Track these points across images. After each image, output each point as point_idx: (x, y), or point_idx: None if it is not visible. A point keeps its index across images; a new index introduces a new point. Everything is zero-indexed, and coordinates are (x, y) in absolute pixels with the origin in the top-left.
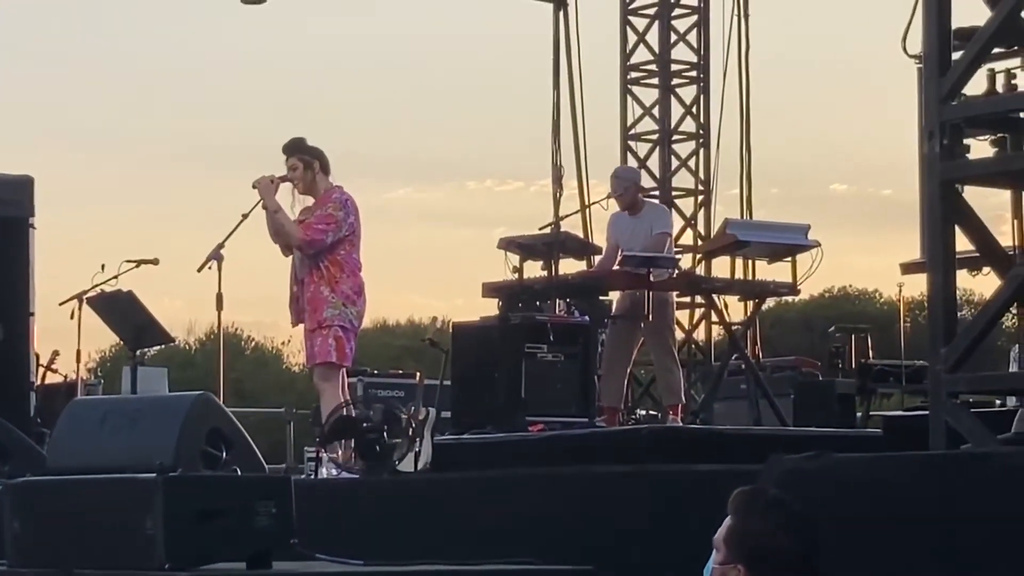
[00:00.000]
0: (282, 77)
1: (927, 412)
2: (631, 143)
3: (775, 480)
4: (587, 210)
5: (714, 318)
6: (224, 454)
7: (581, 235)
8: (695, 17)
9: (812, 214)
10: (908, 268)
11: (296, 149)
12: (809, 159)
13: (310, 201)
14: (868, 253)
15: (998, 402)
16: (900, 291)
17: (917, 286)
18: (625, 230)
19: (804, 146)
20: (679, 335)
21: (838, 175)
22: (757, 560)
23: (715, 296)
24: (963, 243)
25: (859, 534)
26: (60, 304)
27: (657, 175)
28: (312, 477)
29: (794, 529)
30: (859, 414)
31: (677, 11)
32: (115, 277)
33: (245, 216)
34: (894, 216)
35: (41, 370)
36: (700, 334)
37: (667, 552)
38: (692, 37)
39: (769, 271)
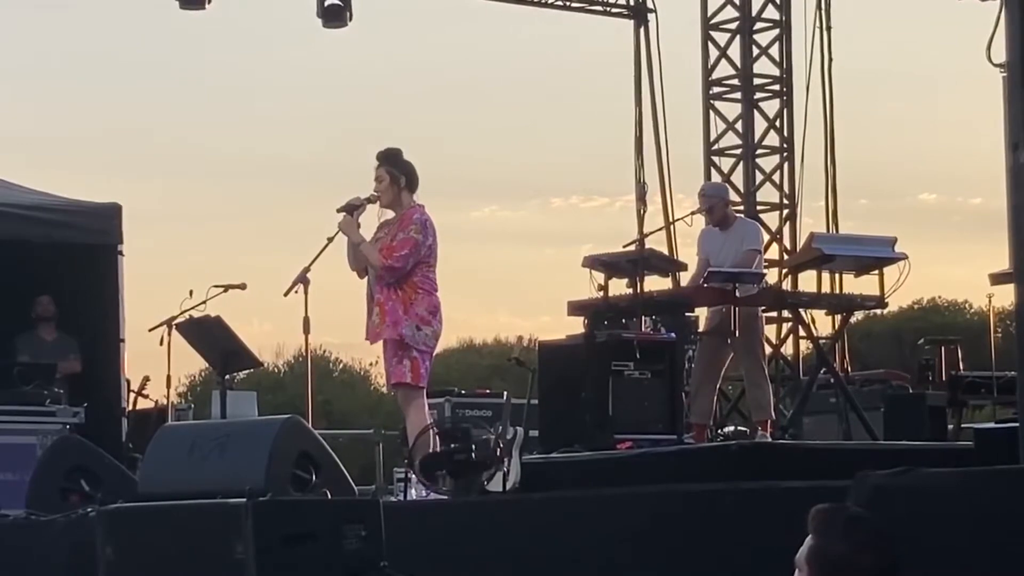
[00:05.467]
0: (365, 95)
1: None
2: (715, 158)
3: (864, 496)
4: (672, 226)
5: (801, 332)
6: (313, 477)
7: (666, 252)
8: (777, 30)
9: (901, 224)
10: (997, 278)
11: (389, 160)
12: (897, 169)
13: (390, 214)
14: (958, 263)
15: None
16: (990, 301)
17: (1008, 296)
18: (715, 245)
19: (891, 156)
20: (767, 350)
21: (927, 185)
22: None
23: (802, 310)
24: None
25: (949, 550)
26: (150, 330)
27: (741, 190)
28: (401, 498)
29: (875, 547)
30: (951, 427)
31: (759, 25)
32: (203, 302)
33: (330, 239)
34: (984, 225)
35: (132, 396)
36: (788, 349)
37: (757, 569)
38: (774, 50)
39: (856, 284)
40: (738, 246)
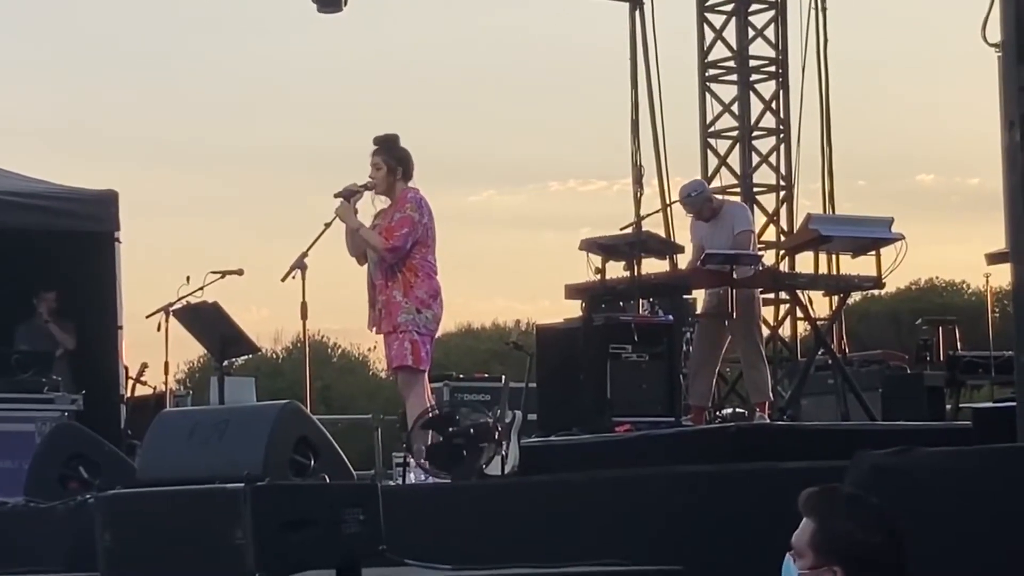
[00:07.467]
0: (361, 83)
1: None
2: (711, 140)
3: (863, 475)
4: (668, 209)
5: (799, 314)
6: (312, 462)
7: (663, 234)
8: (772, 12)
9: (898, 205)
10: (994, 258)
11: (385, 148)
12: (895, 150)
13: (386, 203)
14: (955, 244)
15: None
16: (987, 281)
17: (1005, 275)
18: (707, 233)
19: (889, 137)
20: (764, 332)
21: (924, 166)
22: (856, 562)
23: (799, 292)
24: None
25: (948, 529)
26: (147, 317)
27: (738, 172)
28: (400, 483)
29: (882, 526)
30: (948, 407)
31: (754, 6)
32: (200, 288)
33: (328, 225)
34: (982, 206)
35: (130, 383)
36: (785, 330)
37: (755, 551)
38: (770, 32)
39: (853, 265)
40: (729, 231)
